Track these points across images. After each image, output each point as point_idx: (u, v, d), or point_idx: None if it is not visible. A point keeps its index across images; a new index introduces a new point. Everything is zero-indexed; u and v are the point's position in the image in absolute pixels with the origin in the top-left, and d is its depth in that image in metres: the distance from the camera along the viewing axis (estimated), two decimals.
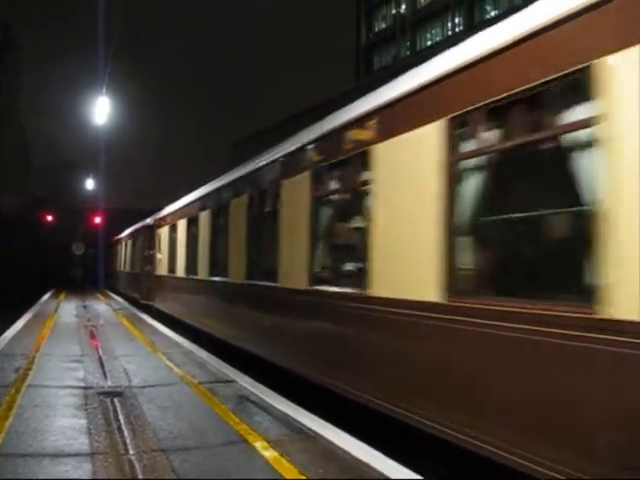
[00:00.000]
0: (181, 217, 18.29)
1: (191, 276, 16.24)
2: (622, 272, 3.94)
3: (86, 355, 11.57)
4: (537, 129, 4.96)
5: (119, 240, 41.04)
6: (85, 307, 25.21)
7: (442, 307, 5.57)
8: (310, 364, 8.32)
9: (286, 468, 5.37)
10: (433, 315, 5.71)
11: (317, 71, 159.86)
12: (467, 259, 5.71)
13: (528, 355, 4.66)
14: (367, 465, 5.49)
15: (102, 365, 10.48)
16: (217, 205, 14.13)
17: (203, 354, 12.10)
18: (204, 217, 15.18)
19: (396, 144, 6.58)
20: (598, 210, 4.19)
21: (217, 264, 13.80)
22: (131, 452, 5.74)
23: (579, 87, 4.43)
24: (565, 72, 4.48)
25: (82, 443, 5.96)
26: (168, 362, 11.04)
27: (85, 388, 8.55)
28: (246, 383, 9.18)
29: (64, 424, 6.63)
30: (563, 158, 4.73)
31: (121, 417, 7.01)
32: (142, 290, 25.51)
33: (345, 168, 7.85)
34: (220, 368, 10.48)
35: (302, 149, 9.14)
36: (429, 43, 64.85)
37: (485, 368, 5.13)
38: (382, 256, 6.77)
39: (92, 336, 14.77)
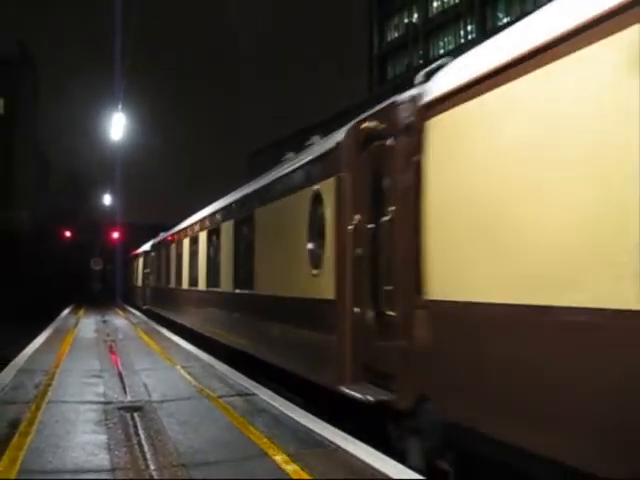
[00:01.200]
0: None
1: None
2: None
3: (105, 370, 11.57)
4: None
5: (137, 255, 41.20)
6: (104, 322, 25.31)
7: None
8: None
9: None
10: None
11: (330, 82, 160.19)
12: None
13: None
14: (390, 478, 5.41)
15: (122, 380, 10.48)
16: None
17: (223, 367, 12.06)
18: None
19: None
20: None
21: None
22: (152, 467, 5.70)
23: None
24: None
25: (102, 459, 5.93)
26: (187, 376, 11.02)
27: (105, 403, 8.54)
28: (266, 396, 9.13)
29: (84, 440, 6.61)
30: None
31: (141, 432, 6.97)
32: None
33: None
34: (240, 381, 10.44)
35: None
36: (442, 51, 64.78)
37: None
38: None
39: (111, 351, 14.80)
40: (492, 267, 5.06)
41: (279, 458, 5.97)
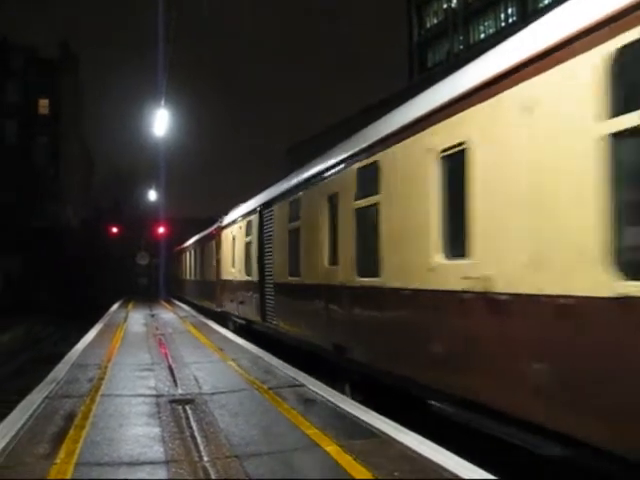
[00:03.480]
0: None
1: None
2: None
3: (156, 363, 11.73)
4: None
5: (184, 248, 41.44)
6: (153, 316, 25.66)
7: None
8: None
9: (360, 472, 5.30)
10: None
11: (370, 72, 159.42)
12: None
13: None
14: (441, 467, 5.38)
15: (172, 373, 10.60)
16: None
17: (272, 359, 12.11)
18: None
19: None
20: None
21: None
22: (205, 459, 5.75)
23: None
24: None
25: (157, 451, 6.01)
26: (237, 368, 11.10)
27: (157, 396, 8.65)
28: (315, 387, 9.14)
29: (138, 432, 6.70)
30: None
31: (193, 424, 7.04)
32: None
33: None
34: (289, 373, 10.47)
35: None
36: (482, 36, 63.91)
37: None
38: None
39: (161, 344, 14.98)
40: None
41: (331, 449, 5.98)
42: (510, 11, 60.97)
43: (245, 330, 18.21)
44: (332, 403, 8.03)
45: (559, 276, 4.97)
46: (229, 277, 21.26)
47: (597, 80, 4.61)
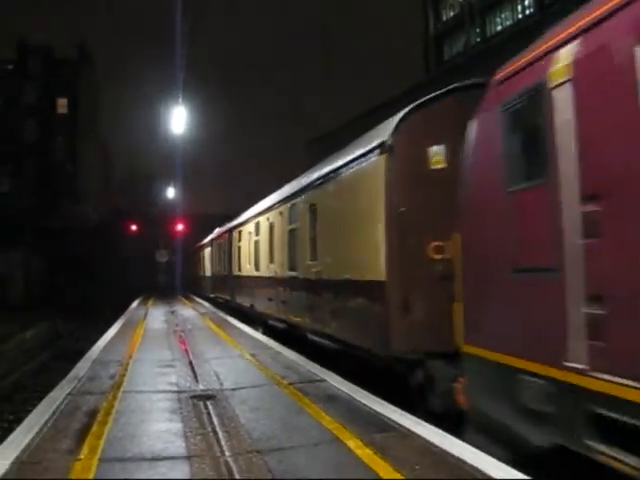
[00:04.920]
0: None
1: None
2: None
3: (177, 360, 11.79)
4: None
5: (203, 245, 41.55)
6: (173, 312, 25.79)
7: None
8: None
9: (381, 466, 5.31)
10: None
11: (386, 66, 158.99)
12: None
13: None
14: (462, 460, 5.38)
15: (193, 369, 10.66)
16: None
17: (292, 355, 12.15)
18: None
19: None
20: None
21: None
22: (227, 454, 5.78)
23: None
24: None
25: (179, 446, 6.04)
26: (257, 364, 11.14)
27: (178, 392, 8.69)
28: (336, 382, 9.16)
29: (160, 428, 6.75)
30: None
31: (215, 419, 7.08)
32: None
33: None
34: (309, 368, 10.50)
35: None
36: (499, 28, 63.44)
37: None
38: None
39: (181, 341, 15.06)
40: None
41: (352, 443, 5.99)
42: (527, 2, 60.45)
43: (225, 306, 28.04)
44: (353, 398, 8.04)
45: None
46: (209, 274, 36.71)
47: None
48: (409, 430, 6.42)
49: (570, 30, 4.87)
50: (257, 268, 20.05)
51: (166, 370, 10.59)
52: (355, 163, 10.47)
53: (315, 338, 12.69)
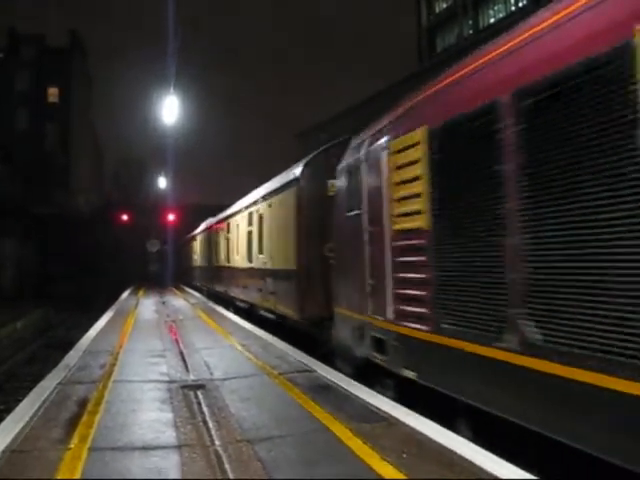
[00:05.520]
0: None
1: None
2: None
3: (168, 350, 11.82)
4: None
5: (192, 237, 41.53)
6: (164, 303, 25.81)
7: None
8: None
9: (368, 454, 5.37)
10: None
11: (379, 57, 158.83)
12: None
13: None
14: (450, 450, 5.43)
15: (183, 359, 10.69)
16: None
17: (282, 345, 12.19)
18: None
19: None
20: None
21: None
22: (217, 443, 5.82)
23: None
24: None
25: (169, 436, 6.08)
26: (247, 354, 11.18)
27: (169, 382, 8.73)
28: (326, 372, 9.21)
29: (150, 417, 6.78)
30: None
31: (205, 409, 7.12)
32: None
33: None
34: (299, 358, 10.55)
35: None
36: (492, 20, 63.35)
37: None
38: None
39: (172, 331, 15.10)
40: None
41: (341, 432, 6.03)
42: None
43: (208, 293, 31.69)
44: (342, 388, 8.08)
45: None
46: (196, 264, 39.38)
47: None
48: (398, 420, 6.46)
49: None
50: (228, 260, 24.35)
51: (157, 360, 10.61)
52: (281, 187, 15.25)
53: (263, 313, 17.05)
